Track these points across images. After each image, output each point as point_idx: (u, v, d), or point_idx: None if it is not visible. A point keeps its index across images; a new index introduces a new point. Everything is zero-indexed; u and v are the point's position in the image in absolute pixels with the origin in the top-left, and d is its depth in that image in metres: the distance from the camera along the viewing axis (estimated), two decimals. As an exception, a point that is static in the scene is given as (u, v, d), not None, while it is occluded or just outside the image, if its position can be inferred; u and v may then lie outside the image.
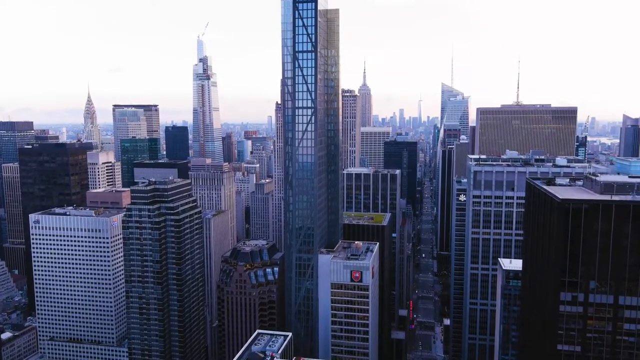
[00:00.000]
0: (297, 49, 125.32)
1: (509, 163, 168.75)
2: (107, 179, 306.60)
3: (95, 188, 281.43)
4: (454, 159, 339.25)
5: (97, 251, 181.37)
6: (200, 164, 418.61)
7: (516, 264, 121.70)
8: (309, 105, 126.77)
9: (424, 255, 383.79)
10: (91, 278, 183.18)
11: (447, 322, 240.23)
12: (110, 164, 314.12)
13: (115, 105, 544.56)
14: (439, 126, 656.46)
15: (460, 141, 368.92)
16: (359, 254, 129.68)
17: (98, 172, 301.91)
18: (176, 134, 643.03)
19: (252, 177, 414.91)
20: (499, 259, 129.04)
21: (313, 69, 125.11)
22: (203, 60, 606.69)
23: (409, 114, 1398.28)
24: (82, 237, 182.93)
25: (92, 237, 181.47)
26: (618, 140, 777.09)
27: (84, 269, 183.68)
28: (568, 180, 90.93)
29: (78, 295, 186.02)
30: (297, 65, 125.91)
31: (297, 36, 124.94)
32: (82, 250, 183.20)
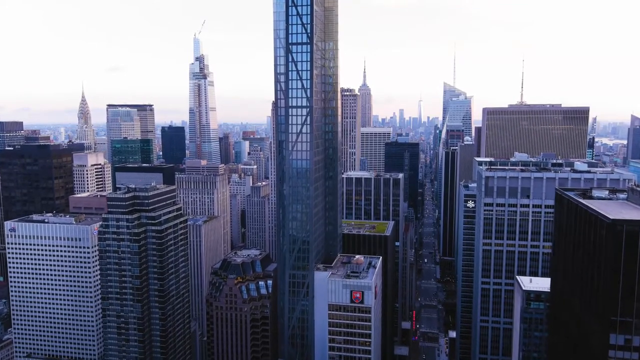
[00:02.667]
0: (290, 41, 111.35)
1: (523, 168, 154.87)
2: (96, 182, 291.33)
3: (84, 192, 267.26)
4: (458, 161, 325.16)
5: (77, 262, 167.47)
6: (195, 165, 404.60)
7: (538, 284, 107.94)
8: (304, 104, 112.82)
9: (426, 260, 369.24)
10: (71, 290, 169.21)
11: (452, 334, 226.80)
12: (99, 166, 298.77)
13: (109, 105, 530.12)
14: (440, 127, 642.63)
15: (465, 142, 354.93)
16: (359, 271, 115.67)
17: (87, 174, 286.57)
18: (172, 134, 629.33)
19: (248, 179, 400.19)
20: (517, 276, 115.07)
21: (308, 63, 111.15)
22: (199, 59, 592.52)
23: (408, 114, 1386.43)
24: (60, 246, 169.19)
25: (72, 247, 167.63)
26: (620, 141, 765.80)
27: (63, 280, 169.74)
28: (607, 192, 76.95)
29: (57, 308, 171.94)
30: (290, 59, 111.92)
31: (290, 26, 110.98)
32: (61, 261, 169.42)
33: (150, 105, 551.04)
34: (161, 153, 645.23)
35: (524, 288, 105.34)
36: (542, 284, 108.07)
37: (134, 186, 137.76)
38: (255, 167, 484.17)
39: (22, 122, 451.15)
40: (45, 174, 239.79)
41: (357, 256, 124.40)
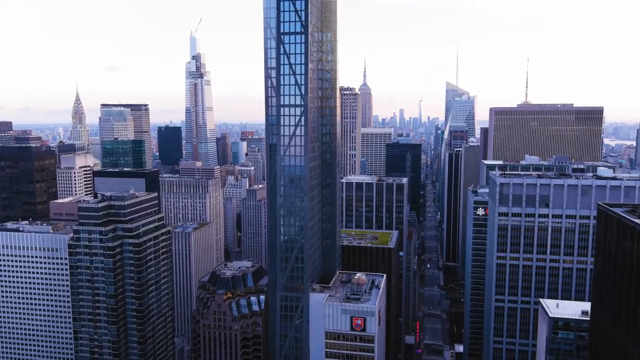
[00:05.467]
0: (282, 30, 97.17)
1: (540, 174, 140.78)
2: (85, 185, 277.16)
3: (71, 196, 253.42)
4: (462, 163, 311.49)
5: (53, 274, 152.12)
6: (189, 167, 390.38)
7: (565, 309, 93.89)
8: (298, 102, 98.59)
9: (428, 266, 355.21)
10: (47, 306, 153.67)
11: (459, 348, 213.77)
12: (88, 169, 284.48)
13: (102, 105, 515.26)
14: (442, 127, 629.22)
15: (469, 144, 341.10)
16: (361, 293, 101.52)
17: (74, 177, 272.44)
18: (169, 134, 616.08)
19: (245, 181, 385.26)
20: (541, 300, 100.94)
21: (303, 55, 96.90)
22: (196, 58, 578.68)
23: (409, 114, 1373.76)
24: (35, 257, 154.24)
25: (47, 258, 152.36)
26: (622, 142, 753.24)
27: (38, 295, 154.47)
28: (665, 209, 62.94)
29: (31, 327, 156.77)
30: (282, 52, 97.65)
31: (282, 14, 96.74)
32: (36, 274, 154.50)
33: (145, 105, 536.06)
34: (157, 154, 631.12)
35: (550, 315, 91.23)
36: (570, 309, 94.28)
37: (109, 194, 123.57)
38: (252, 168, 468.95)
39: (11, 122, 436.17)
40: (26, 177, 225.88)
41: (358, 274, 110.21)
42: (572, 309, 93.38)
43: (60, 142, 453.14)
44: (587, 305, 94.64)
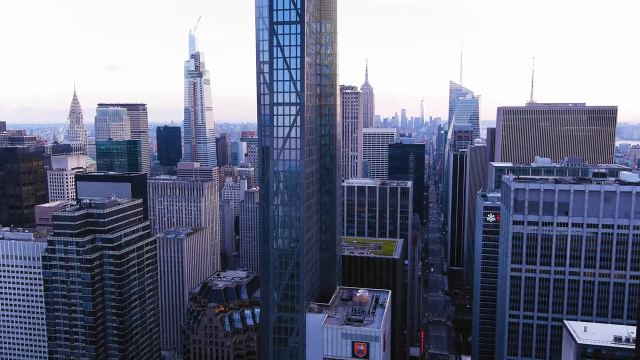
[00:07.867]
0: (275, 19, 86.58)
1: (557, 178, 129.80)
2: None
3: (62, 199, 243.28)
4: (468, 165, 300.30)
5: (29, 286, 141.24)
6: (187, 168, 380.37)
7: (595, 333, 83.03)
8: (293, 100, 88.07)
9: (432, 270, 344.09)
10: (21, 322, 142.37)
11: (466, 359, 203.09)
12: (81, 170, 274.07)
13: (99, 104, 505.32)
14: (444, 127, 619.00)
15: (475, 144, 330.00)
16: (363, 314, 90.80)
17: (67, 179, 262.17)
18: (168, 135, 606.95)
19: (243, 183, 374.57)
20: (565, 321, 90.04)
21: (298, 48, 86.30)
22: (195, 57, 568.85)
23: (410, 114, 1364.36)
24: (14, 267, 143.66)
25: (25, 267, 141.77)
26: (625, 142, 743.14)
27: (15, 308, 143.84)
28: None
29: (8, 341, 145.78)
30: (275, 43, 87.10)
31: (275, 1, 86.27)
32: (14, 285, 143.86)
33: (143, 105, 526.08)
34: (157, 154, 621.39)
35: (579, 341, 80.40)
36: (600, 334, 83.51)
37: (87, 200, 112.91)
38: (252, 169, 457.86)
39: (5, 122, 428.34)
40: (12, 180, 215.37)
41: (360, 291, 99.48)
42: (602, 334, 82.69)
43: (55, 142, 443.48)
44: (619, 329, 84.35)
